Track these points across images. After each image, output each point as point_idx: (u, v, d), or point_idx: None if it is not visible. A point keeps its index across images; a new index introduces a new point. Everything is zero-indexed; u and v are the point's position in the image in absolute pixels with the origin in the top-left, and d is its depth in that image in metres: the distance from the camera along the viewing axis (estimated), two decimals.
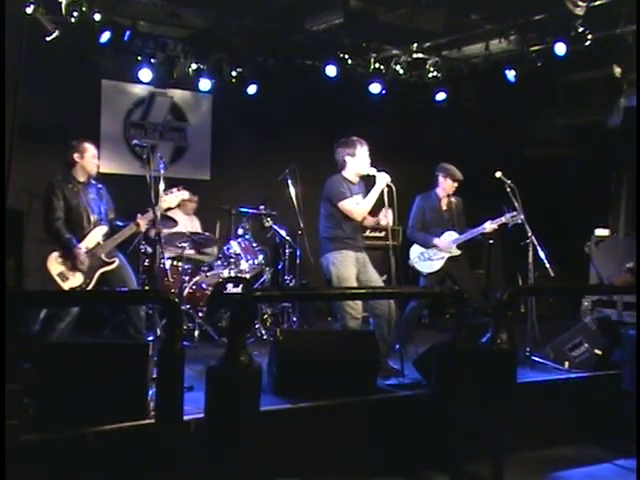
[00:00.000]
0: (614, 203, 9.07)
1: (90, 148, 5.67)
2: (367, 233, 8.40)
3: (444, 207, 6.96)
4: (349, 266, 5.71)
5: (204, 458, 3.84)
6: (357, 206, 5.77)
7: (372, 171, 5.79)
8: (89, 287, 5.51)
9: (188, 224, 7.54)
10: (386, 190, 5.72)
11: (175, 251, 7.15)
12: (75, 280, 5.51)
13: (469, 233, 6.84)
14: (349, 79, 7.96)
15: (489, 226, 6.72)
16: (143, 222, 5.62)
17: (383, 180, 5.71)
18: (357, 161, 5.80)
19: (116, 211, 5.87)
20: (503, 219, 6.61)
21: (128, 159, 8.06)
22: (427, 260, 6.84)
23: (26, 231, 6.99)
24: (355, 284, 5.69)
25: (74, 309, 5.46)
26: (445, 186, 6.88)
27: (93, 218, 5.63)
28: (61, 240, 5.51)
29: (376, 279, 5.94)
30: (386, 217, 5.81)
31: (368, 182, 5.90)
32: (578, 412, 5.44)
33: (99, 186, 5.82)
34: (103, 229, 5.65)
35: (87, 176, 5.68)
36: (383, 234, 8.82)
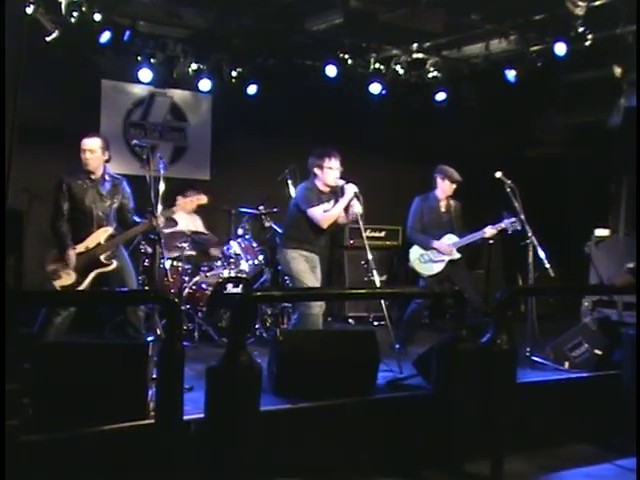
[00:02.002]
0: (614, 203, 9.06)
1: (81, 143, 5.56)
2: (367, 233, 8.45)
3: (443, 209, 6.95)
4: (302, 262, 5.96)
5: (204, 458, 3.85)
6: (324, 214, 5.96)
7: (340, 182, 5.98)
8: (81, 286, 5.50)
9: (190, 223, 7.53)
10: (355, 201, 5.92)
11: (175, 251, 7.15)
12: (67, 279, 5.49)
13: (469, 237, 6.83)
14: (349, 79, 7.96)
15: (489, 231, 6.73)
16: (161, 218, 5.58)
17: (351, 191, 5.92)
18: (325, 173, 5.98)
19: (134, 204, 5.83)
20: (503, 225, 6.63)
21: (128, 159, 8.05)
22: (428, 262, 6.83)
23: (26, 231, 7.04)
24: (311, 275, 5.94)
25: None
26: (444, 188, 6.88)
27: (97, 216, 5.60)
28: (59, 238, 5.51)
29: (319, 282, 6.15)
30: (352, 207, 5.98)
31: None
32: (578, 412, 5.44)
33: (115, 179, 5.74)
34: (107, 230, 5.62)
35: (88, 172, 5.64)
36: (383, 234, 8.88)
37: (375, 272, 6.08)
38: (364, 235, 6.09)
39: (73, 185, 5.56)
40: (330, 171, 5.96)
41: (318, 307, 5.77)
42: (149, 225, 5.62)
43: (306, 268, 5.94)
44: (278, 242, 6.43)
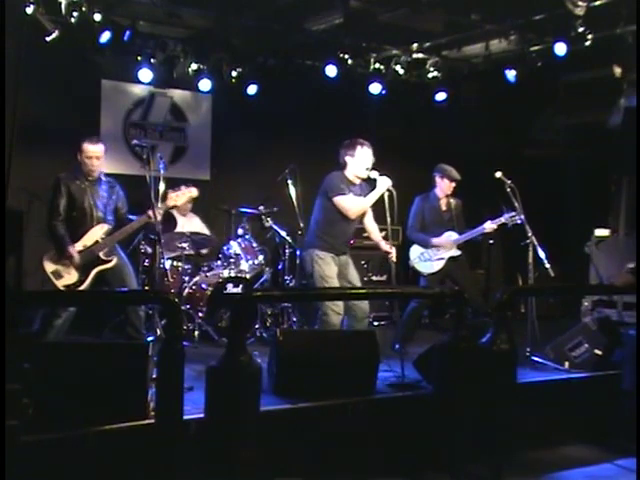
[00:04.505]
0: (614, 203, 9.07)
1: (85, 149, 5.59)
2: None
3: (443, 208, 6.97)
4: (331, 264, 5.79)
5: (204, 458, 3.85)
6: (352, 202, 5.79)
7: (373, 174, 5.81)
8: (84, 285, 5.51)
9: (186, 225, 7.53)
10: (387, 194, 5.76)
11: (175, 251, 7.15)
12: (70, 278, 5.51)
13: (469, 233, 6.85)
14: (349, 79, 7.96)
15: (489, 226, 6.73)
16: (153, 214, 5.57)
17: (384, 184, 5.75)
18: (356, 162, 5.82)
19: (128, 206, 5.87)
20: (502, 219, 6.63)
21: (128, 159, 8.05)
22: (427, 261, 6.85)
23: (26, 231, 7.04)
24: (337, 282, 5.78)
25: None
26: (443, 186, 6.90)
27: (97, 216, 5.63)
28: (55, 237, 5.53)
29: (356, 279, 6.00)
30: (391, 251, 5.92)
31: (372, 185, 5.91)
32: (578, 412, 5.44)
33: (111, 182, 5.78)
34: (104, 227, 5.65)
35: (87, 173, 5.65)
36: (383, 234, 8.87)
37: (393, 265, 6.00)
38: (390, 227, 5.80)
39: (71, 185, 5.58)
40: (364, 159, 5.78)
41: (339, 315, 5.66)
42: (145, 220, 5.62)
43: (333, 274, 5.75)
44: (306, 240, 6.15)
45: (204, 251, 7.51)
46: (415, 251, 6.93)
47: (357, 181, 5.90)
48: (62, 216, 5.56)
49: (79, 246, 5.55)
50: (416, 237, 6.93)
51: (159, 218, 5.60)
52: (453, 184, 6.88)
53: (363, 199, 5.85)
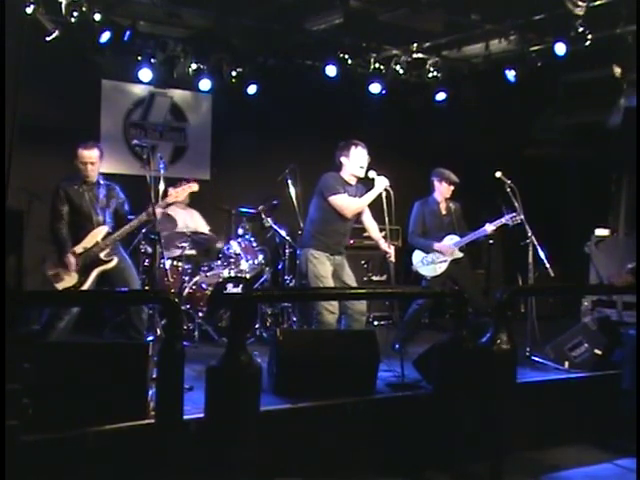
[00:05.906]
0: (614, 203, 9.07)
1: (80, 154, 5.61)
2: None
3: (443, 212, 6.97)
4: (326, 264, 5.80)
5: (204, 458, 3.85)
6: (348, 202, 5.80)
7: (371, 174, 5.83)
8: (85, 286, 5.52)
9: (187, 218, 7.52)
10: (384, 194, 5.77)
11: (175, 251, 7.15)
12: (70, 280, 5.53)
13: (471, 235, 6.85)
14: (349, 79, 7.96)
15: (489, 228, 6.73)
16: (156, 209, 5.55)
17: (381, 184, 5.77)
18: (351, 162, 5.85)
19: (129, 206, 5.88)
20: (503, 220, 6.64)
21: (128, 159, 8.06)
22: (430, 264, 6.85)
23: (26, 231, 7.04)
24: (331, 282, 5.78)
25: (74, 308, 5.47)
26: (442, 190, 6.90)
27: (96, 219, 5.65)
28: (58, 240, 5.56)
29: (351, 279, 5.99)
30: (389, 251, 5.92)
31: (369, 186, 5.91)
32: (578, 412, 5.45)
33: (109, 185, 5.80)
34: (104, 230, 5.66)
35: (84, 178, 5.66)
36: (383, 234, 8.87)
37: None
38: (388, 227, 5.82)
39: (70, 190, 5.63)
40: (359, 159, 5.79)
41: (334, 314, 5.66)
42: (145, 218, 5.63)
43: (327, 273, 5.77)
44: (301, 239, 6.20)
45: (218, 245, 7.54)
46: (417, 256, 6.93)
47: (353, 181, 5.92)
48: (65, 220, 5.60)
49: (79, 249, 5.57)
50: (417, 242, 6.93)
51: (159, 216, 5.60)
52: (452, 187, 6.89)
53: (359, 199, 5.86)
